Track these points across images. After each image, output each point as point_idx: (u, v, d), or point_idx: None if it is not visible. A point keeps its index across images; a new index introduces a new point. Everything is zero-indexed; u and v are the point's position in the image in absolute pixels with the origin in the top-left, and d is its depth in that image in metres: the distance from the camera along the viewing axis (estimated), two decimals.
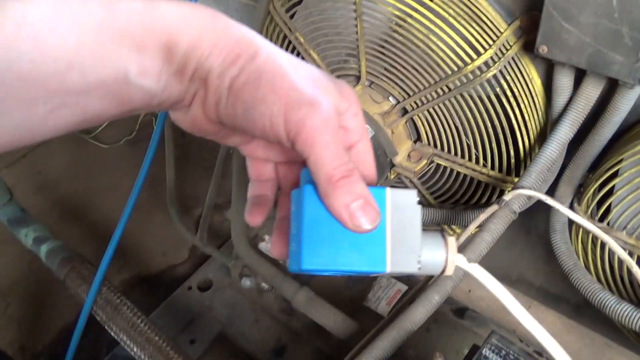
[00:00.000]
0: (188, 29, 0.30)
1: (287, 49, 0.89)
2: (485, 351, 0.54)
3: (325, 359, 1.03)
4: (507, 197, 0.66)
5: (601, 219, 0.70)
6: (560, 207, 0.62)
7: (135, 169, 1.65)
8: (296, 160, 0.39)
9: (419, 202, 0.34)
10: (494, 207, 0.66)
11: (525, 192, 0.65)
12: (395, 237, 0.33)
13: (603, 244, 0.70)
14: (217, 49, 0.31)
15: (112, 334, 0.71)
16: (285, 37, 0.87)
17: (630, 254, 0.69)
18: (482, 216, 0.67)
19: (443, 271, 0.35)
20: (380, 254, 0.32)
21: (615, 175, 0.66)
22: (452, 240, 0.35)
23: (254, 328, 1.11)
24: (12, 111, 0.27)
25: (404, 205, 0.33)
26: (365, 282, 0.95)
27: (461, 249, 0.65)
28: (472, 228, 0.68)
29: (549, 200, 0.64)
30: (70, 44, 0.26)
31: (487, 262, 1.18)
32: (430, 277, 0.68)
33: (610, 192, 0.67)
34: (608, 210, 0.68)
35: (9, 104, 0.26)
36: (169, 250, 1.38)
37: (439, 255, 0.34)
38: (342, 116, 0.35)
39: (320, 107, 0.30)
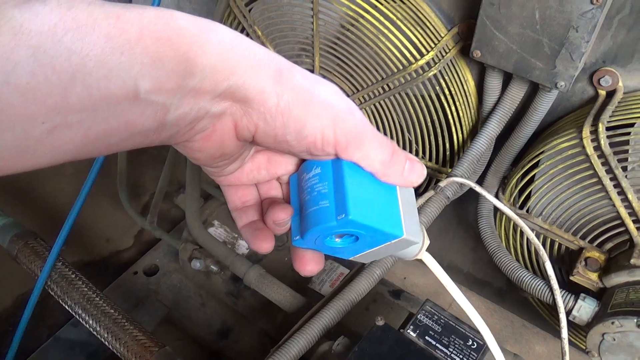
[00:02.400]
0: (213, 41, 0.28)
1: None
2: (420, 316, 0.61)
3: (269, 339, 1.09)
4: (442, 184, 0.73)
5: (522, 207, 0.79)
6: (486, 194, 0.71)
7: None
8: (276, 175, 0.40)
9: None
10: (430, 193, 0.74)
11: (458, 179, 0.72)
12: (405, 210, 0.36)
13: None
14: (254, 66, 0.29)
15: (67, 307, 0.72)
16: (243, 29, 0.91)
17: (545, 238, 0.79)
18: (420, 201, 0.75)
19: (416, 257, 0.39)
20: (398, 221, 0.35)
21: (533, 168, 0.75)
22: (423, 228, 0.39)
23: (200, 311, 1.15)
24: (4, 130, 0.23)
25: (405, 188, 0.37)
26: None
27: None
28: None
29: (477, 188, 0.72)
30: (74, 55, 0.24)
31: None
32: None
33: (529, 183, 0.77)
34: (528, 199, 0.78)
35: (2, 120, 0.23)
36: (114, 236, 1.38)
37: (418, 238, 0.37)
38: None
39: (355, 113, 0.33)
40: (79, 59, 0.24)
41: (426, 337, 0.59)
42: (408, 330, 0.60)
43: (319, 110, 0.31)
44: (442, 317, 0.61)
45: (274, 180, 0.41)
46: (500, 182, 0.83)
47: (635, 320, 0.61)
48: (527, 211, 0.79)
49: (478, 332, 0.61)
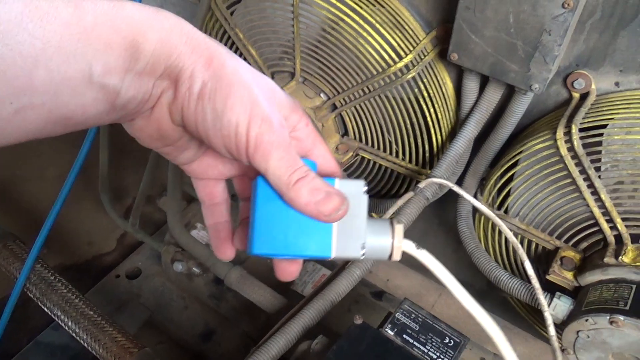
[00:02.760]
0: (156, 27, 0.30)
1: (226, 44, 0.94)
2: (398, 315, 0.62)
3: (252, 341, 1.09)
4: (421, 185, 0.75)
5: (499, 208, 0.81)
6: (465, 194, 0.72)
7: (60, 158, 1.61)
8: (248, 173, 0.41)
9: (366, 192, 0.36)
10: (409, 194, 0.75)
11: (437, 180, 0.74)
12: (342, 225, 0.35)
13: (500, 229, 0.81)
14: (189, 49, 0.31)
15: (46, 309, 0.72)
16: (225, 32, 0.91)
17: (522, 238, 0.81)
18: (400, 202, 0.76)
19: (391, 256, 0.37)
20: (326, 241, 0.34)
21: (510, 169, 0.76)
22: (399, 227, 0.37)
23: (183, 314, 1.14)
24: None
25: (351, 194, 0.35)
26: None
27: None
28: (390, 212, 0.76)
29: (455, 188, 0.73)
30: (37, 41, 0.26)
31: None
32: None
33: (507, 184, 0.78)
34: (505, 200, 0.79)
35: None
36: (96, 239, 1.37)
37: (385, 242, 0.36)
38: (295, 127, 0.37)
39: (277, 124, 0.33)
40: (42, 44, 0.26)
41: (404, 336, 0.60)
42: (386, 329, 0.60)
43: (239, 105, 0.31)
44: (420, 315, 0.62)
45: (246, 176, 0.41)
46: (479, 183, 0.85)
47: (608, 317, 0.62)
48: (505, 212, 0.80)
49: (455, 330, 0.62)
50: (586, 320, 0.65)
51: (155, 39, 0.30)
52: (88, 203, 1.36)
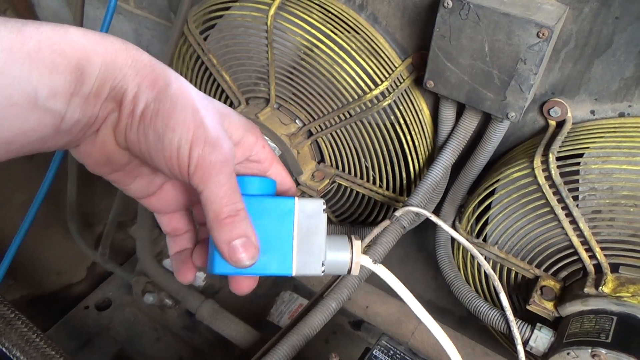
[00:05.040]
0: (100, 51, 0.30)
1: (199, 70, 0.92)
2: (376, 352, 0.59)
3: None
4: (397, 213, 0.73)
5: (478, 236, 0.79)
6: (442, 224, 0.70)
7: (29, 183, 1.56)
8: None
9: (325, 210, 0.37)
10: (386, 222, 0.73)
11: (413, 209, 0.72)
12: (302, 242, 0.36)
13: None
14: (133, 71, 0.31)
15: (4, 349, 0.67)
16: (198, 57, 0.90)
17: (502, 266, 0.79)
18: (376, 230, 0.74)
19: (350, 271, 0.39)
20: (287, 259, 0.35)
21: (489, 197, 0.75)
22: (357, 243, 0.39)
23: (155, 347, 1.10)
24: None
25: (311, 213, 0.36)
26: (268, 297, 0.98)
27: None
28: (367, 241, 0.74)
29: (432, 217, 0.72)
30: None
31: (381, 278, 1.26)
32: (327, 287, 0.73)
33: (485, 212, 0.77)
34: (484, 228, 0.78)
35: None
36: (65, 268, 1.32)
37: (344, 257, 0.38)
38: (252, 149, 0.38)
39: (221, 148, 0.32)
40: None
41: None
42: None
43: (181, 126, 0.31)
44: (397, 351, 0.59)
45: None
46: (457, 210, 0.83)
47: (590, 350, 0.61)
48: (484, 239, 0.79)
49: None
50: (568, 353, 0.63)
51: (100, 62, 0.30)
52: (57, 230, 1.31)
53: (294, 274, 0.36)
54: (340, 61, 0.75)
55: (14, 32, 0.27)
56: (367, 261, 0.40)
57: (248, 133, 0.38)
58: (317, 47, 0.76)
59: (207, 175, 0.32)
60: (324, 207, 0.37)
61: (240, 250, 0.33)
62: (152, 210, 0.41)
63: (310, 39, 0.76)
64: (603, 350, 0.60)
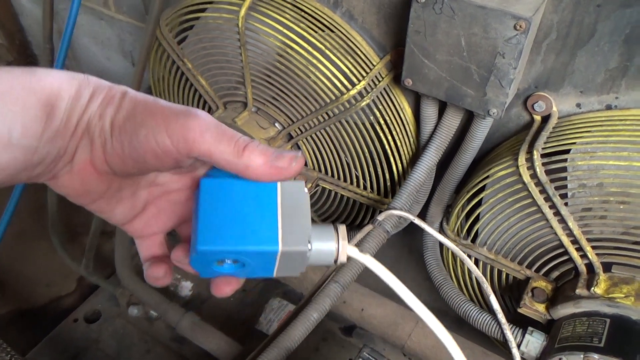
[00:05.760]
0: (66, 87, 0.32)
1: (175, 75, 0.89)
2: None
3: None
4: (380, 217, 0.70)
5: (467, 236, 0.77)
6: (425, 227, 0.68)
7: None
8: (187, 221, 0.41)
9: (307, 191, 0.37)
10: (369, 227, 0.71)
11: (396, 212, 0.70)
12: (286, 219, 0.35)
13: None
14: (95, 97, 0.33)
15: None
16: (173, 62, 0.87)
17: (492, 268, 0.77)
18: (359, 235, 0.71)
19: (337, 260, 0.37)
20: (272, 233, 0.34)
21: (475, 196, 0.72)
22: (343, 228, 0.38)
23: (145, 358, 1.08)
24: None
25: (293, 193, 0.36)
26: (257, 305, 0.96)
27: (340, 267, 0.69)
28: None
29: (416, 221, 0.69)
30: None
31: (375, 280, 1.24)
32: (311, 295, 0.71)
33: (473, 212, 0.74)
34: (472, 228, 0.75)
35: None
36: (55, 280, 1.30)
37: (330, 245, 0.36)
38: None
39: (196, 113, 0.33)
40: None
41: None
42: None
43: (147, 119, 0.33)
44: None
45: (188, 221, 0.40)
46: (444, 211, 0.81)
47: (582, 355, 0.58)
48: (473, 240, 0.76)
49: None
50: (560, 358, 0.60)
51: (66, 97, 0.32)
52: (46, 243, 1.29)
53: (280, 248, 0.34)
54: (314, 61, 0.72)
55: None
56: (353, 250, 0.39)
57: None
58: (291, 47, 0.74)
59: (200, 140, 0.32)
60: (306, 188, 0.37)
61: (278, 159, 0.33)
62: (135, 236, 0.41)
63: (284, 39, 0.73)
64: (596, 356, 0.57)
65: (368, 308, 1.28)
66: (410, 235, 1.01)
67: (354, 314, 1.26)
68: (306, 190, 0.37)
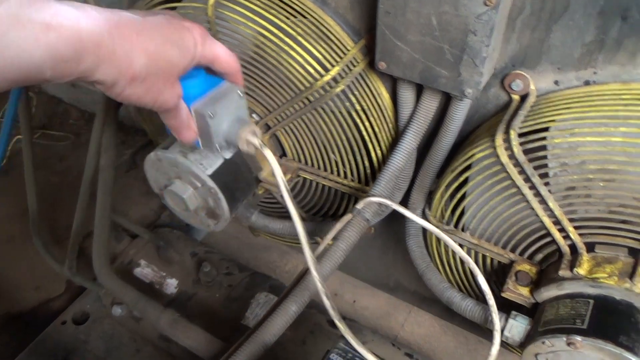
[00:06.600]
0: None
1: None
2: (333, 355, 0.55)
3: None
4: (359, 205, 0.69)
5: (450, 222, 0.75)
6: (405, 212, 0.66)
7: (7, 198, 1.52)
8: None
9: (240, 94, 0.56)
10: (348, 217, 0.69)
11: (375, 199, 0.68)
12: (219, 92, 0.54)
13: None
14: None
15: None
16: None
17: (476, 253, 0.75)
18: (338, 225, 0.70)
19: (238, 143, 0.56)
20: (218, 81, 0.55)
21: (454, 180, 0.71)
22: (254, 127, 0.56)
23: (135, 358, 1.06)
24: None
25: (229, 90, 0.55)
26: (243, 300, 0.94)
27: (319, 258, 0.67)
28: (329, 237, 0.70)
29: (395, 206, 0.67)
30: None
31: (364, 271, 1.22)
32: (291, 288, 0.69)
33: (454, 197, 0.72)
34: (454, 213, 0.74)
35: None
36: (43, 284, 1.29)
37: (236, 123, 0.56)
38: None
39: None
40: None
41: None
42: None
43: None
44: (356, 356, 0.55)
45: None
46: (427, 197, 0.79)
47: (565, 338, 0.57)
48: (456, 226, 0.74)
49: None
50: (543, 342, 0.59)
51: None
52: (34, 247, 1.28)
53: (192, 106, 0.52)
54: (287, 48, 0.71)
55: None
56: (254, 140, 0.55)
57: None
58: (263, 35, 0.72)
59: (212, 45, 0.51)
60: (239, 90, 0.56)
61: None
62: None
63: (255, 27, 0.72)
64: (579, 338, 0.56)
65: (360, 300, 1.27)
66: (398, 224, 0.99)
67: (345, 306, 1.25)
68: (240, 91, 0.56)
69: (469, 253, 0.75)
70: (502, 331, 0.64)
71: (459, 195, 0.71)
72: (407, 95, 0.71)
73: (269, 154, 0.51)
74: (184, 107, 0.52)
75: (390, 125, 0.76)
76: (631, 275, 0.58)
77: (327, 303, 0.53)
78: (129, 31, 0.42)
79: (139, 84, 0.43)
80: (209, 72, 0.54)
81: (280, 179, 0.52)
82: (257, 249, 1.33)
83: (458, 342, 1.16)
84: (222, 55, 0.52)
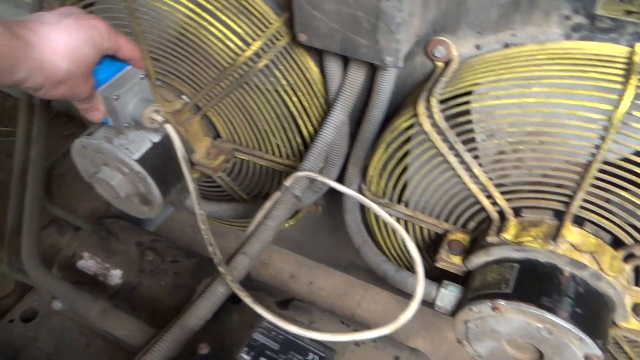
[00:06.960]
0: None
1: None
2: (256, 335, 0.54)
3: None
4: (287, 182, 0.67)
5: (383, 195, 0.74)
6: (336, 185, 0.65)
7: None
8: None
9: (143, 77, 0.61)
10: (277, 194, 0.68)
11: (303, 174, 0.67)
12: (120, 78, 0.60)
13: None
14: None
15: None
16: None
17: (413, 225, 0.74)
18: (268, 204, 0.68)
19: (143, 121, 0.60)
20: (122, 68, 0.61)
21: (385, 152, 0.69)
22: (156, 107, 0.61)
23: (85, 353, 1.04)
24: None
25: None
26: (188, 287, 0.93)
27: (249, 238, 0.66)
28: (259, 217, 0.68)
29: (325, 180, 0.66)
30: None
31: (316, 252, 1.21)
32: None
33: (385, 169, 0.71)
34: (387, 186, 0.73)
35: None
36: None
37: (141, 103, 0.61)
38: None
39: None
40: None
41: (261, 358, 0.52)
42: (241, 353, 0.53)
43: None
44: (280, 333, 0.54)
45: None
46: (362, 171, 0.78)
47: (489, 303, 0.56)
48: (390, 199, 0.74)
49: (320, 343, 0.55)
50: (470, 309, 0.59)
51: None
52: None
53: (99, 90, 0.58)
54: (206, 24, 0.68)
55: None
56: (156, 117, 0.60)
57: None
58: (182, 13, 0.69)
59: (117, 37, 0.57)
60: (142, 74, 0.61)
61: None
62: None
63: (172, 3, 0.69)
64: (502, 302, 0.56)
65: (317, 281, 1.26)
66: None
67: (302, 288, 1.24)
68: (141, 75, 0.61)
69: (406, 226, 0.75)
70: (433, 301, 0.64)
71: (389, 167, 0.69)
72: (333, 67, 0.69)
73: (171, 130, 0.50)
74: (94, 92, 0.58)
75: (320, 100, 0.74)
76: (555, 237, 0.58)
77: (222, 270, 0.51)
78: (51, 41, 0.49)
79: (62, 86, 0.51)
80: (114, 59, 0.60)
81: (180, 151, 0.51)
82: (213, 235, 1.31)
83: (414, 317, 1.16)
84: (124, 45, 0.58)
